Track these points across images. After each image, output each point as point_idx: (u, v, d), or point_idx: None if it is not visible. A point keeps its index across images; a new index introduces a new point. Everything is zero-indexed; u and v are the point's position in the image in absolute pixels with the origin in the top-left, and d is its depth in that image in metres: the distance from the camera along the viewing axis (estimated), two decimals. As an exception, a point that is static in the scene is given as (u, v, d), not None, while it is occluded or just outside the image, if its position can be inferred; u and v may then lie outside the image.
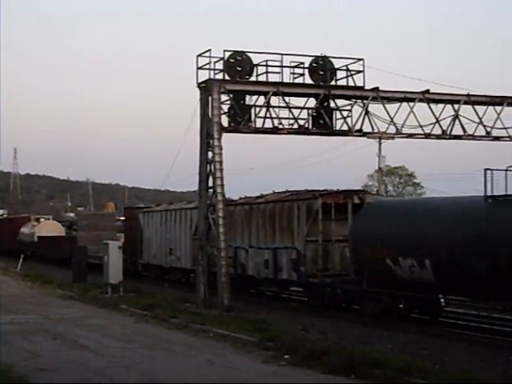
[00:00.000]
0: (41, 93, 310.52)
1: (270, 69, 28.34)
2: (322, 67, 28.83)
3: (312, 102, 28.97)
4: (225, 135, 27.82)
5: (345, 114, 29.28)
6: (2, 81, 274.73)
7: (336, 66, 29.12)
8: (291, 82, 28.69)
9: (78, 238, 53.00)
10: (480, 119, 29.88)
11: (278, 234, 29.71)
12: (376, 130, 29.37)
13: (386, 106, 29.18)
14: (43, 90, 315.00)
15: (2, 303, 28.74)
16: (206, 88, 27.91)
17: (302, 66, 28.76)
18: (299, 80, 28.83)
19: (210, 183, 28.01)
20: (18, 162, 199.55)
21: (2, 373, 14.25)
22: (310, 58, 28.80)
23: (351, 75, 29.13)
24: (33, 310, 27.18)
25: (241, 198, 34.48)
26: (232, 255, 30.99)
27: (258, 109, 28.39)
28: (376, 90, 29.00)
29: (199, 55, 28.02)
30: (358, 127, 29.17)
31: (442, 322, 24.05)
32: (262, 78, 28.31)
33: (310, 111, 28.94)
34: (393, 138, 30.57)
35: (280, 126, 28.62)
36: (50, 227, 69.84)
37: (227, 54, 27.85)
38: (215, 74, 28.04)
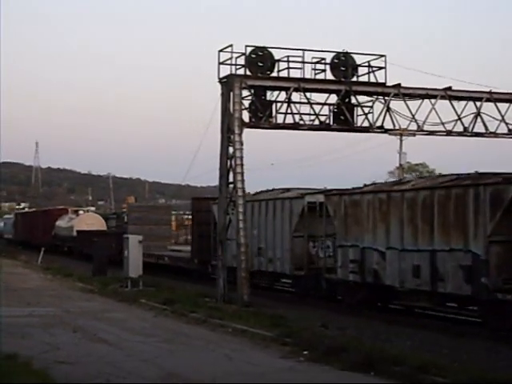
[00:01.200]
0: (63, 87, 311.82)
1: (291, 64, 28.28)
2: (343, 63, 28.75)
3: (333, 98, 28.91)
4: (245, 130, 27.84)
5: (366, 110, 29.20)
6: (23, 76, 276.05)
7: (358, 62, 29.03)
8: (312, 77, 28.63)
9: (129, 232, 45.91)
10: (502, 117, 29.70)
11: (439, 232, 22.56)
12: (397, 127, 29.27)
13: (408, 102, 29.06)
14: (66, 84, 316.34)
15: (22, 296, 28.94)
16: (227, 83, 27.91)
17: (323, 61, 28.68)
18: (321, 76, 28.76)
19: (231, 178, 28.03)
20: (39, 155, 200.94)
21: (21, 365, 14.33)
22: (332, 54, 28.72)
23: (373, 71, 29.04)
24: (53, 302, 27.33)
25: (366, 185, 27.41)
26: (358, 259, 25.95)
27: (278, 104, 28.37)
28: (398, 86, 28.90)
29: (221, 50, 28.02)
30: (379, 124, 29.08)
31: (462, 320, 23.89)
32: (284, 74, 28.28)
33: (331, 107, 28.88)
34: (414, 135, 30.47)
35: (301, 122, 28.57)
36: (90, 220, 64.94)
37: (249, 50, 27.83)
38: (237, 69, 28.04)
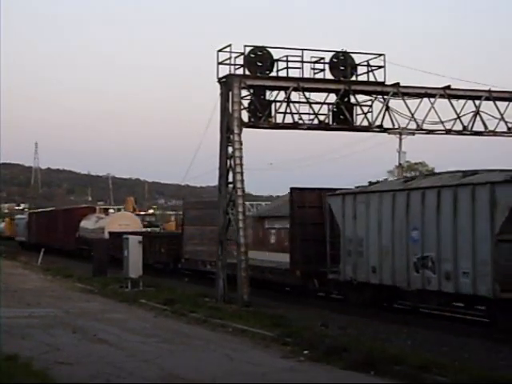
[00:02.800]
0: (62, 88, 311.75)
1: (290, 64, 28.29)
2: (342, 62, 28.75)
3: (332, 98, 28.91)
4: (245, 130, 27.84)
5: (365, 109, 29.21)
6: (23, 76, 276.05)
7: (357, 62, 29.05)
8: (312, 77, 28.62)
9: (185, 235, 39.72)
10: (501, 115, 29.69)
11: None
12: (396, 126, 29.27)
13: (407, 101, 29.07)
14: (66, 84, 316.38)
15: (22, 297, 28.94)
16: (226, 83, 27.91)
17: (322, 61, 28.69)
18: (320, 75, 28.76)
19: (230, 178, 28.02)
20: (38, 156, 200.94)
21: (22, 366, 14.32)
22: (331, 54, 28.73)
23: (372, 71, 29.05)
24: (53, 303, 27.32)
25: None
26: None
27: (278, 104, 28.37)
28: (397, 85, 28.90)
29: (220, 50, 28.01)
30: (378, 123, 29.09)
31: (462, 318, 23.90)
32: (283, 74, 28.27)
33: (330, 107, 28.88)
34: (413, 134, 30.46)
35: (300, 122, 28.58)
36: (124, 220, 55.66)
37: (248, 49, 27.83)
38: (235, 69, 28.04)
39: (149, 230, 58.21)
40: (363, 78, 29.16)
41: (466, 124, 29.51)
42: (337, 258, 27.08)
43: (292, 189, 30.85)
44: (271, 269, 32.66)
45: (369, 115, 29.11)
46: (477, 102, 29.53)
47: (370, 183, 27.32)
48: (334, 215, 27.40)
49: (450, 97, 29.32)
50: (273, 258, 38.15)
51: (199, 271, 37.36)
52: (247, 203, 41.48)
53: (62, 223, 64.00)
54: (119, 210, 66.52)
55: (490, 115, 29.73)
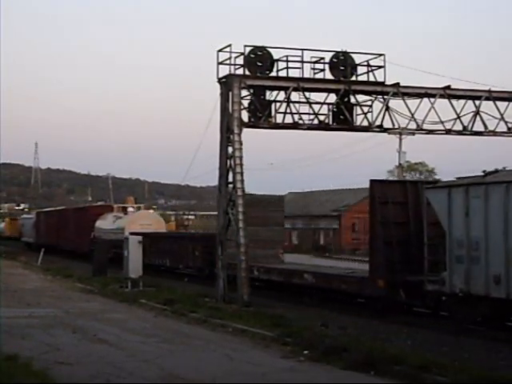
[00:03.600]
0: (62, 88, 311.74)
1: (290, 64, 28.28)
2: (342, 62, 28.75)
3: (332, 98, 28.90)
4: (245, 130, 27.83)
5: (365, 109, 29.20)
6: (23, 76, 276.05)
7: (356, 62, 29.04)
8: (312, 77, 28.62)
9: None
10: (501, 115, 29.69)
11: None
12: (396, 126, 29.26)
13: (407, 101, 29.07)
14: (66, 84, 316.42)
15: (22, 297, 28.92)
16: (226, 83, 27.90)
17: (322, 61, 28.69)
18: (320, 75, 28.75)
19: (230, 178, 28.01)
20: (38, 156, 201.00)
21: (22, 366, 14.32)
22: (331, 54, 28.73)
23: (372, 71, 29.04)
24: (53, 303, 27.31)
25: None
26: None
27: (278, 104, 28.37)
28: (397, 85, 28.90)
29: (220, 50, 28.01)
30: (378, 123, 29.08)
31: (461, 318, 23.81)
32: (283, 74, 28.26)
33: (330, 107, 28.88)
34: (413, 134, 30.44)
35: (300, 122, 28.58)
36: (144, 220, 49.98)
37: (247, 49, 27.82)
38: (235, 69, 28.03)
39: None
40: (363, 78, 29.16)
41: (466, 124, 29.50)
42: (437, 264, 22.55)
43: (372, 181, 26.80)
44: (342, 277, 28.26)
45: (369, 115, 29.12)
46: (477, 102, 29.52)
47: (486, 173, 21.97)
48: (435, 212, 22.59)
49: (450, 97, 29.31)
50: (340, 264, 34.35)
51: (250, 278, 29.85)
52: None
53: (75, 223, 59.38)
54: (139, 208, 57.57)
55: (490, 115, 29.74)
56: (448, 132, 29.60)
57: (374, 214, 26.27)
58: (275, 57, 28.23)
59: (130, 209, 54.21)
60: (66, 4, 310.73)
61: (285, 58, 28.23)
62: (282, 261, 35.01)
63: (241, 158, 27.43)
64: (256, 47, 28.06)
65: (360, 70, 29.12)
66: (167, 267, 41.19)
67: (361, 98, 29.23)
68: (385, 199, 25.89)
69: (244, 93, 27.96)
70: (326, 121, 28.82)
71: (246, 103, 28.18)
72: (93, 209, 60.21)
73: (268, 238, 33.53)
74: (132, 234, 39.58)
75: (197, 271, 37.41)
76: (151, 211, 55.07)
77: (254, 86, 28.07)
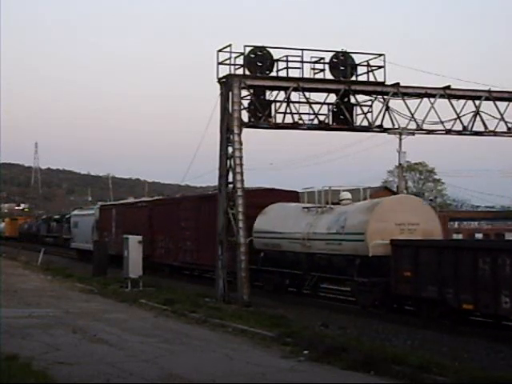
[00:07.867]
0: (63, 87, 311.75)
1: (290, 64, 28.31)
2: (342, 62, 28.77)
3: (332, 98, 28.93)
4: (245, 130, 27.84)
5: (365, 109, 29.24)
6: (23, 77, 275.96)
7: (356, 62, 29.07)
8: (312, 77, 28.65)
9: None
10: (501, 115, 29.72)
11: None
12: (396, 126, 29.28)
13: (407, 101, 29.10)
14: (66, 84, 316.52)
15: (22, 297, 28.92)
16: (226, 83, 27.92)
17: (322, 61, 28.71)
18: (320, 75, 28.78)
19: (230, 178, 28.01)
20: (38, 156, 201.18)
21: (22, 366, 14.31)
22: (331, 54, 28.76)
23: (372, 71, 29.06)
24: (53, 303, 27.29)
25: None
26: None
27: (278, 104, 28.39)
28: (397, 85, 28.91)
29: (220, 50, 28.03)
30: (378, 123, 29.11)
31: (458, 318, 23.82)
32: (283, 74, 28.28)
33: (330, 107, 28.90)
34: (413, 134, 30.47)
35: (300, 122, 28.60)
36: (409, 214, 26.08)
37: (248, 50, 27.85)
38: (235, 69, 28.04)
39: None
40: (363, 78, 29.19)
41: (466, 124, 29.53)
42: None
43: None
44: None
45: (369, 115, 29.15)
46: (477, 102, 29.55)
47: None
48: None
49: (450, 97, 29.34)
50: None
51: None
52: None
53: (204, 222, 35.54)
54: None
55: (489, 115, 29.78)
56: (448, 132, 29.62)
57: None
58: (275, 57, 28.26)
59: (345, 193, 29.44)
60: (66, 4, 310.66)
61: (285, 58, 28.26)
62: None
63: (241, 158, 27.44)
64: (256, 47, 28.08)
65: (360, 70, 29.15)
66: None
67: (361, 98, 29.27)
68: None
69: (244, 93, 27.99)
70: (326, 121, 28.84)
71: (246, 103, 28.22)
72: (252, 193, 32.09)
73: None
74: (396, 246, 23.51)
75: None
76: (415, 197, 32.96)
77: (253, 86, 28.08)
